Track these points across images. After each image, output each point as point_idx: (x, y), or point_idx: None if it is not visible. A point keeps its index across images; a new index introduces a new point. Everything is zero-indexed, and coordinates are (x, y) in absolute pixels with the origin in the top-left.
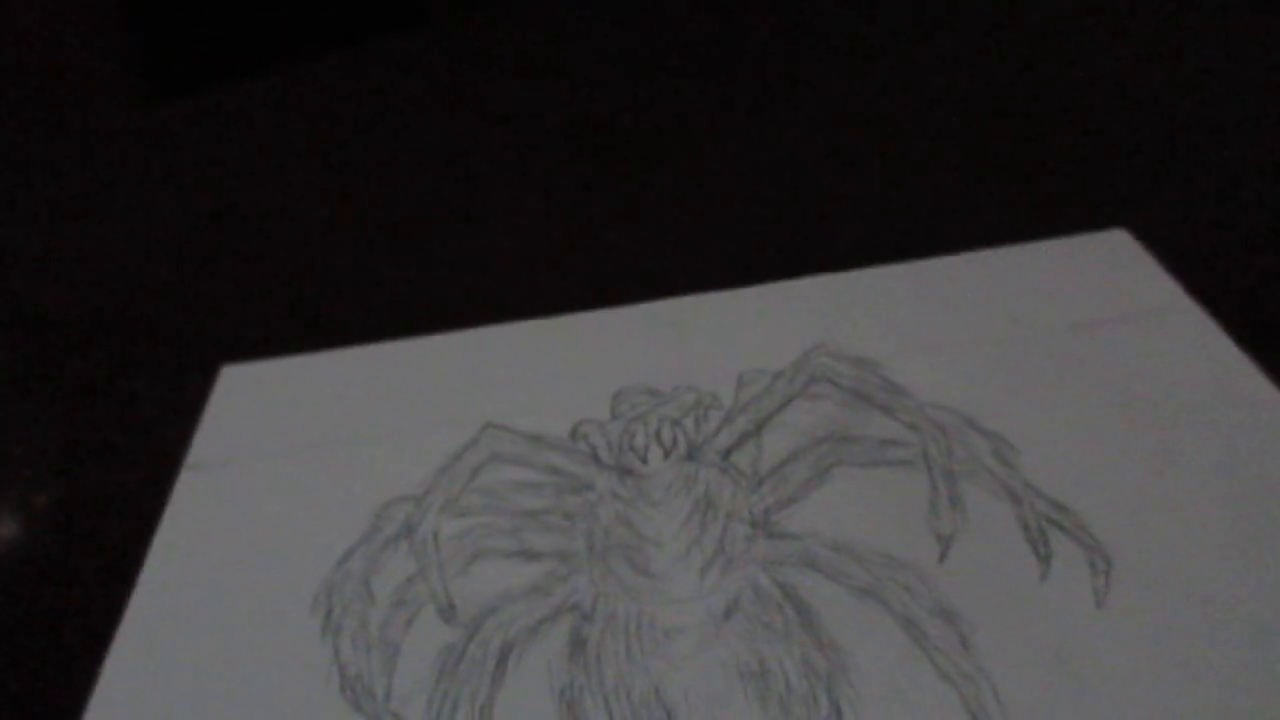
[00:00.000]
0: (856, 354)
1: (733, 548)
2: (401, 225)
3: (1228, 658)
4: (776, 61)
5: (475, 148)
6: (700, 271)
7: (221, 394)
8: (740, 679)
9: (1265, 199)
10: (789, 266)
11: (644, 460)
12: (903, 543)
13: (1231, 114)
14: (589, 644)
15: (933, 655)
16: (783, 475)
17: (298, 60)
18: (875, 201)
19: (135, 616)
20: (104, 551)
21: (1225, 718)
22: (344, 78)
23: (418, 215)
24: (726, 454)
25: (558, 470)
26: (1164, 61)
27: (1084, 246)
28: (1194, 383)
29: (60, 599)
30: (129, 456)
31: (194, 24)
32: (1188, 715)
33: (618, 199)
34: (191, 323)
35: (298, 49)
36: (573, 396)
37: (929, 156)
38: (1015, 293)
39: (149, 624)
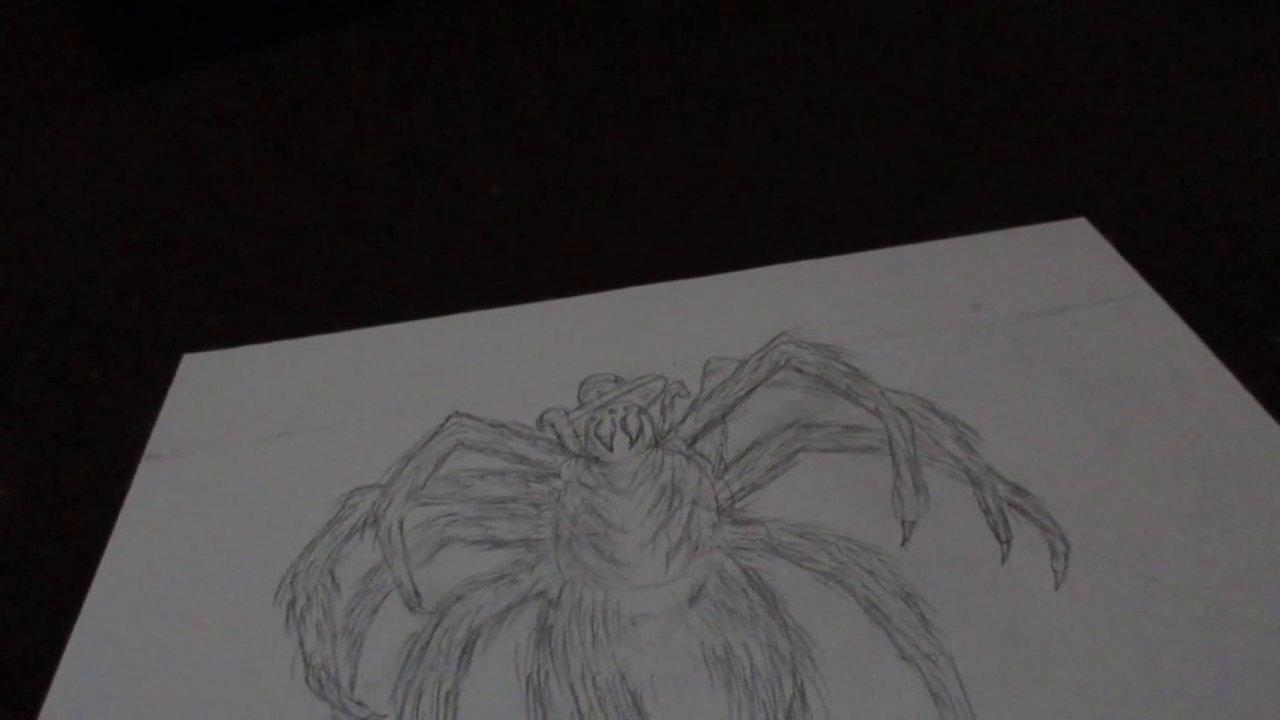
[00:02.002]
0: (821, 341)
1: (698, 534)
2: (366, 212)
3: (1182, 637)
4: (745, 54)
5: (441, 134)
6: (667, 259)
7: (183, 383)
8: (706, 663)
9: (1221, 190)
10: (755, 254)
11: (610, 448)
12: (866, 527)
13: (1189, 108)
14: (555, 631)
15: (895, 637)
16: (748, 462)
17: (260, 45)
18: (840, 191)
19: (95, 607)
20: (63, 542)
21: (1180, 695)
22: (307, 64)
23: (382, 202)
24: (692, 441)
25: (524, 458)
26: (1125, 56)
27: (1045, 235)
28: (1152, 368)
29: (19, 589)
30: (88, 446)
31: (153, 7)
32: (1143, 693)
33: (585, 186)
34: (152, 310)
35: (259, 34)
36: (539, 384)
37: (893, 147)
38: (977, 280)
39: (109, 614)
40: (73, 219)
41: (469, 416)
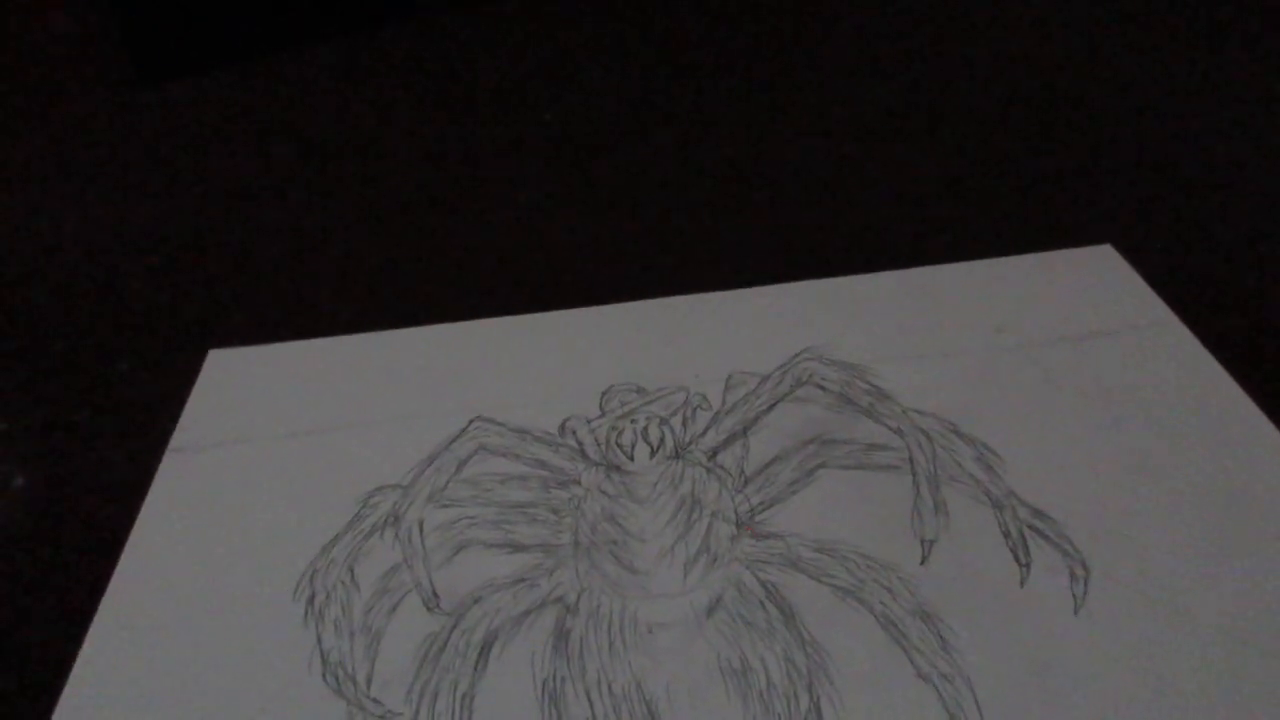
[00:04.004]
0: (844, 359)
1: (717, 546)
2: (393, 215)
3: (1201, 664)
4: (775, 71)
5: (469, 140)
6: (692, 272)
7: (208, 378)
8: (722, 675)
9: (1247, 218)
10: (780, 270)
11: (631, 457)
12: (885, 545)
13: (1216, 136)
14: (572, 636)
15: (912, 655)
16: (768, 476)
17: (291, 47)
18: (867, 211)
19: (116, 597)
20: (86, 532)
21: None
22: (338, 67)
23: (410, 206)
24: (713, 454)
25: (545, 464)
26: (1153, 85)
27: (1070, 261)
28: (1174, 396)
29: (41, 579)
30: (114, 437)
31: (179, 12)
32: None
33: (612, 196)
34: (180, 306)
35: (291, 35)
36: (562, 392)
37: (923, 169)
38: (1002, 304)
39: (129, 606)
40: (103, 214)
41: (491, 421)
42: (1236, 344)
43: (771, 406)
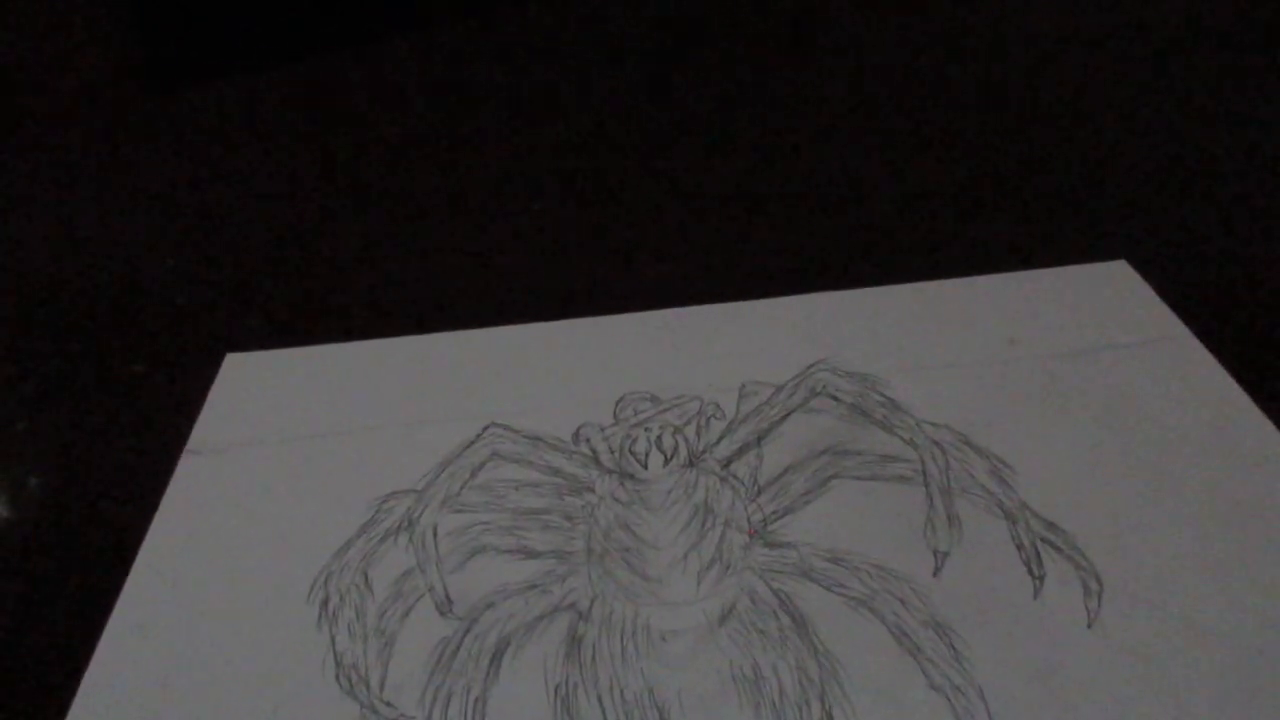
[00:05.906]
0: (858, 370)
1: (730, 555)
2: (409, 222)
3: (1214, 681)
4: (789, 83)
5: (486, 148)
6: (705, 282)
7: (225, 381)
8: (734, 683)
9: (1261, 234)
10: (794, 282)
11: (644, 465)
12: (898, 556)
13: (1231, 153)
14: (585, 643)
15: (925, 666)
16: (782, 485)
17: (304, 56)
18: (883, 223)
19: (130, 598)
20: (101, 533)
21: None
22: (352, 75)
23: (426, 213)
24: (727, 463)
25: (558, 471)
26: (1168, 100)
27: (1085, 275)
28: (1188, 411)
29: (57, 578)
30: (130, 439)
31: (199, 18)
32: None
33: (627, 205)
34: (197, 310)
35: (304, 45)
36: (576, 400)
37: (937, 183)
38: (1017, 317)
39: (143, 607)
40: (121, 218)
41: (505, 427)
42: (1250, 359)
43: (785, 416)
